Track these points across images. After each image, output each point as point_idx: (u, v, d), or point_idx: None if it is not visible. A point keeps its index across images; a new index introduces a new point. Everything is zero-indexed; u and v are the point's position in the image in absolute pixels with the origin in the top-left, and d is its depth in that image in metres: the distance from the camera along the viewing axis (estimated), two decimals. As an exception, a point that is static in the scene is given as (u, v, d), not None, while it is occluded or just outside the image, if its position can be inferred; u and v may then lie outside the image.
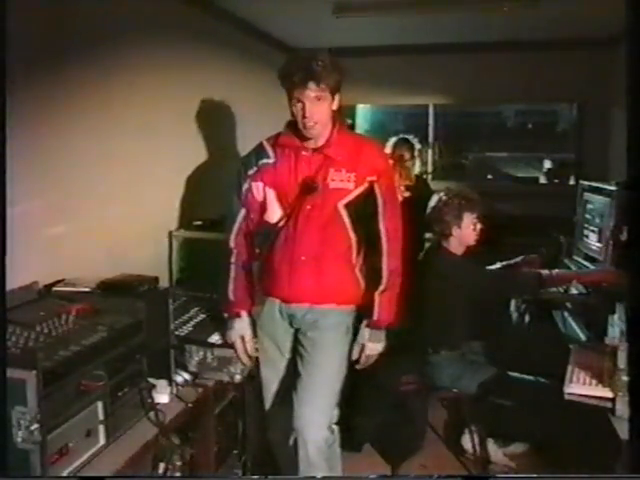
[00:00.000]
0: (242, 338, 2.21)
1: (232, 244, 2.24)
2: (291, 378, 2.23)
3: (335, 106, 2.10)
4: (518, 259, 3.06)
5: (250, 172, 2.20)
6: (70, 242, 2.43)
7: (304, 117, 2.03)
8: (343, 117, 5.18)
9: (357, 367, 2.21)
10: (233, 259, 2.24)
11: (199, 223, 3.17)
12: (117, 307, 1.99)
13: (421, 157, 4.07)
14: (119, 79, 2.71)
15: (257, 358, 2.32)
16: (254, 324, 2.27)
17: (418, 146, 3.88)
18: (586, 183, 3.68)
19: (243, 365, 2.26)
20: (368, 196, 2.12)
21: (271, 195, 2.16)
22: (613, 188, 3.21)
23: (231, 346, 2.24)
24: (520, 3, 3.39)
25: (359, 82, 4.78)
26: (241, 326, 2.22)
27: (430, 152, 5.25)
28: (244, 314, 2.23)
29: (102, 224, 2.63)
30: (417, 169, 3.94)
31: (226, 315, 2.27)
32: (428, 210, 2.87)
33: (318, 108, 2.03)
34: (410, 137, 3.89)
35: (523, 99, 5.31)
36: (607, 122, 4.49)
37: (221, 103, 3.40)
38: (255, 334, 2.26)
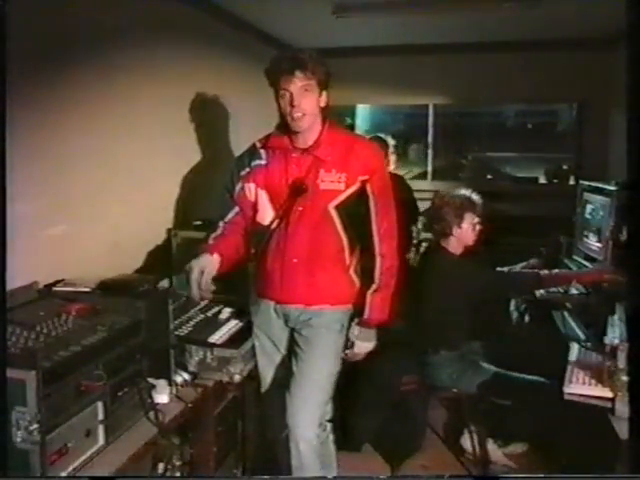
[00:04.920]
0: (202, 272, 2.01)
1: (220, 224, 2.20)
2: (286, 372, 2.24)
3: (323, 103, 2.09)
4: (518, 267, 3.05)
5: (242, 173, 2.20)
6: (70, 242, 2.43)
7: (292, 106, 2.01)
8: (341, 118, 5.21)
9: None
10: (220, 229, 2.19)
11: (199, 223, 3.18)
12: (117, 307, 1.99)
13: (397, 154, 3.98)
14: (119, 80, 2.71)
15: (254, 354, 2.33)
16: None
17: (392, 142, 3.81)
18: (586, 183, 3.68)
19: (196, 297, 2.04)
20: (361, 195, 2.11)
21: (263, 197, 2.15)
22: (613, 188, 3.21)
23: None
24: (520, 3, 3.39)
25: (359, 82, 4.81)
26: (207, 261, 2.05)
27: (430, 152, 5.24)
28: (216, 256, 2.08)
29: (102, 224, 2.63)
30: (392, 166, 3.82)
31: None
32: (429, 209, 2.88)
33: (306, 99, 2.02)
34: (382, 135, 3.83)
35: (523, 99, 5.31)
36: (607, 122, 4.49)
37: (220, 103, 3.40)
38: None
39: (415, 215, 3.93)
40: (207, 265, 2.04)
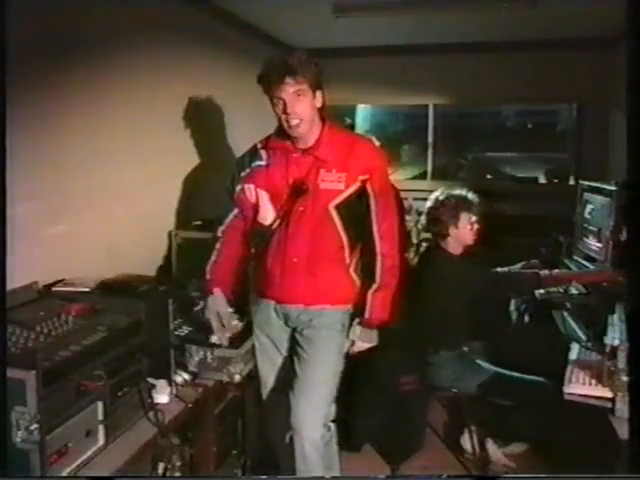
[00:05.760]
0: (217, 314, 2.19)
1: (219, 233, 2.28)
2: (288, 373, 2.24)
3: (319, 103, 2.09)
4: (518, 266, 3.05)
5: (243, 174, 2.20)
6: (70, 242, 2.43)
7: (286, 113, 2.02)
8: (341, 118, 5.21)
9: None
10: (218, 245, 2.28)
11: (199, 223, 3.18)
12: (117, 307, 1.99)
13: None
14: (119, 80, 2.71)
15: (254, 354, 2.33)
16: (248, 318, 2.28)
17: (377, 143, 3.79)
18: (586, 183, 3.68)
19: (219, 342, 2.23)
20: (361, 195, 2.11)
21: (264, 197, 2.15)
22: (613, 188, 3.21)
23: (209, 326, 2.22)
24: (520, 3, 3.39)
25: (359, 82, 4.81)
26: (215, 303, 2.20)
27: (430, 152, 5.24)
28: (218, 291, 2.22)
29: (102, 224, 2.64)
30: None
31: (203, 295, 2.29)
32: (425, 210, 2.88)
33: (300, 104, 2.02)
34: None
35: (523, 99, 5.31)
36: (607, 122, 4.49)
37: (220, 103, 3.40)
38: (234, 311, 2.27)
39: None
40: (218, 306, 2.19)
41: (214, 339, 2.22)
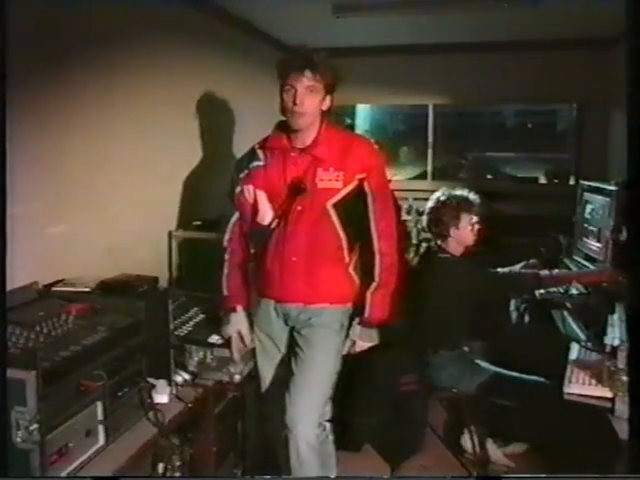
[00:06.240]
0: (239, 333, 2.25)
1: (225, 243, 2.29)
2: (286, 371, 2.24)
3: (325, 107, 2.11)
4: (518, 266, 3.05)
5: (241, 175, 2.21)
6: (70, 242, 2.43)
7: (294, 104, 2.04)
8: (341, 118, 5.21)
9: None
10: (227, 257, 2.28)
11: (198, 223, 3.18)
12: (117, 307, 1.99)
13: None
14: (118, 80, 2.71)
15: (254, 354, 2.34)
16: (251, 320, 2.30)
17: None
18: (586, 183, 3.68)
19: (234, 361, 2.28)
20: (359, 194, 2.12)
21: (262, 197, 2.16)
22: (613, 188, 3.21)
23: (228, 341, 2.26)
24: (520, 3, 3.38)
25: (359, 82, 4.80)
26: (237, 320, 2.25)
27: (430, 152, 5.23)
28: (240, 308, 2.26)
29: (102, 224, 2.63)
30: None
31: (222, 311, 2.30)
32: (426, 210, 2.88)
33: (309, 99, 2.04)
34: None
35: (523, 99, 5.30)
36: (607, 122, 4.49)
37: (221, 104, 3.40)
38: (252, 329, 2.29)
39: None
40: (240, 325, 2.25)
41: (234, 357, 2.28)
